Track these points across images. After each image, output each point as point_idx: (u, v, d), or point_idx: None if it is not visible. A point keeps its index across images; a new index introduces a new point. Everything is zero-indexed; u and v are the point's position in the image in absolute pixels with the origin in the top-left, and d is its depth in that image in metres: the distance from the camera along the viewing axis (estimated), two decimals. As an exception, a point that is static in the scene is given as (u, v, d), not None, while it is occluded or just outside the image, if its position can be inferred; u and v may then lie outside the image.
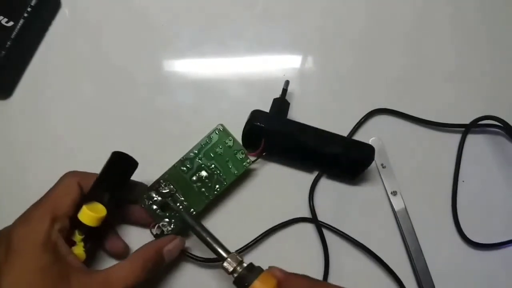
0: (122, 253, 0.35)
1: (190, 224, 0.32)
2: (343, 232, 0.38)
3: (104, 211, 0.31)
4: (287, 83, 0.39)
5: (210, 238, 0.31)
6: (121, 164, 0.33)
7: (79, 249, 0.31)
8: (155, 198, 0.35)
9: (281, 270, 0.29)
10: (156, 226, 0.35)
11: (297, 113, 0.41)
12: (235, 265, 0.30)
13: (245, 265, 0.30)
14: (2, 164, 0.39)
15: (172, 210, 0.35)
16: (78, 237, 0.31)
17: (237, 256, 0.30)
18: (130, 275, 0.30)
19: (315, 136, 0.37)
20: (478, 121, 0.41)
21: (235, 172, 0.36)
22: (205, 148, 0.36)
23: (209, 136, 0.36)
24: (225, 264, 0.30)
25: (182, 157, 0.36)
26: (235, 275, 0.29)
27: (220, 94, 0.42)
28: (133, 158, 0.33)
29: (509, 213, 0.41)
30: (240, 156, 0.36)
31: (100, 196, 0.32)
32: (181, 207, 0.35)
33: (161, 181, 0.35)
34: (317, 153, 0.37)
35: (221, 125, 0.36)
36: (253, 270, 0.29)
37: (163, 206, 0.35)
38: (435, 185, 0.41)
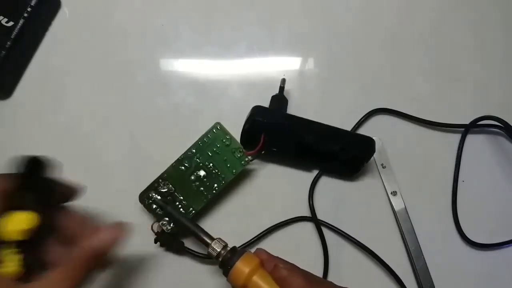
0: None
1: (175, 217, 0.34)
2: (343, 231, 0.38)
3: (31, 219, 0.27)
4: (283, 81, 0.40)
5: (195, 227, 0.32)
6: (29, 168, 0.29)
7: (9, 265, 0.26)
8: (154, 198, 0.35)
9: (266, 252, 0.30)
10: (157, 225, 0.35)
11: (296, 114, 0.40)
12: (219, 249, 0.30)
13: (229, 248, 0.31)
14: (2, 165, 0.39)
15: (158, 205, 0.35)
16: (4, 252, 0.26)
17: (221, 242, 0.31)
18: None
19: (317, 129, 0.37)
20: (478, 121, 0.41)
21: (233, 171, 0.36)
22: (203, 147, 0.36)
23: (206, 135, 0.36)
24: (209, 249, 0.31)
25: (180, 156, 0.36)
26: (220, 258, 0.30)
27: (220, 94, 0.42)
28: (38, 157, 0.29)
29: (509, 213, 0.40)
30: (238, 154, 0.36)
31: (24, 203, 0.28)
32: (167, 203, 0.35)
33: (160, 180, 0.35)
34: (318, 147, 0.37)
35: (219, 123, 0.36)
36: (237, 253, 0.30)
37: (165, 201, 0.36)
38: (435, 185, 0.41)
